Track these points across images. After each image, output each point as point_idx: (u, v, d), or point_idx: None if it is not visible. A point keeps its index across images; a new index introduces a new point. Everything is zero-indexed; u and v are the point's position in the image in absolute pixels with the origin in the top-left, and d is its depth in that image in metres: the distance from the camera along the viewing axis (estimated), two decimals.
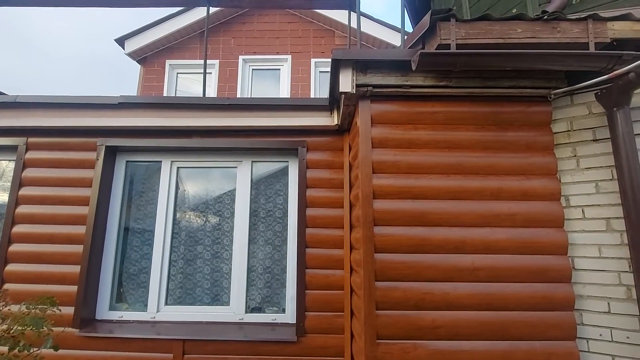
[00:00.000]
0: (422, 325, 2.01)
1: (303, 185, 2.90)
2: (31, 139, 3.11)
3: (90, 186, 3.02)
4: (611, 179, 2.06)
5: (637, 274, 1.87)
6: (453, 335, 2.00)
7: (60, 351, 2.71)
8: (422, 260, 2.09)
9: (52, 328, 1.87)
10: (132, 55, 6.31)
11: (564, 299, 2.04)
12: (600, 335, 2.01)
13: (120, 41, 6.24)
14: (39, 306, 1.87)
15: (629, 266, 1.96)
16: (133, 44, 6.23)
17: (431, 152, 2.21)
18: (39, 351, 1.77)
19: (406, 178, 2.18)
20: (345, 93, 2.19)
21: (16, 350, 1.77)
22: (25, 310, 1.82)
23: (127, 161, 3.21)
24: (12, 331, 1.76)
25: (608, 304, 2.01)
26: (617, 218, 2.03)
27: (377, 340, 2.01)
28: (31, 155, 3.10)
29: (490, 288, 2.05)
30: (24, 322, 1.77)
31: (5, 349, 1.80)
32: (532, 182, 2.16)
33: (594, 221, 2.09)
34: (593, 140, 2.15)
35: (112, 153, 3.15)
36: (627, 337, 1.94)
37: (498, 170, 2.17)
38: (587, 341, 2.04)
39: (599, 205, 2.09)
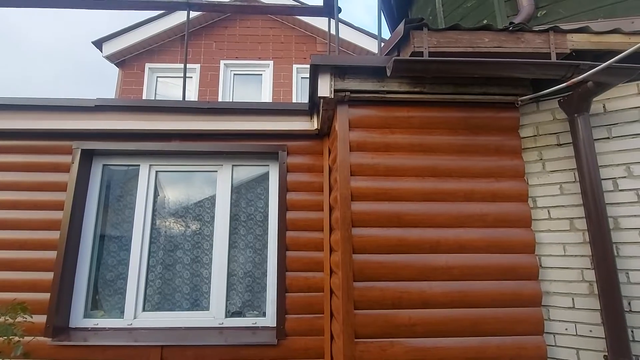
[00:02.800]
0: (399, 324, 2.07)
1: (283, 188, 2.93)
2: (2, 142, 3.02)
3: (65, 190, 2.95)
4: (574, 181, 2.19)
5: (598, 270, 1.98)
6: (428, 332, 2.07)
7: None
8: (398, 260, 2.15)
9: (24, 337, 1.82)
10: (110, 58, 6.20)
11: (532, 296, 2.14)
12: (566, 329, 2.12)
13: (98, 44, 6.12)
14: (9, 314, 1.81)
15: (591, 263, 2.07)
16: (111, 47, 6.12)
17: (407, 155, 2.28)
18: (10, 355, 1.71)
19: (383, 180, 2.24)
20: (324, 98, 2.25)
21: None
22: None
23: (103, 165, 3.15)
24: None
25: (572, 299, 2.12)
26: (579, 218, 2.15)
27: (356, 340, 2.05)
28: (3, 158, 3.00)
29: (464, 286, 2.13)
30: None
31: None
32: (501, 184, 2.27)
33: (559, 221, 2.21)
34: (557, 144, 2.28)
35: (88, 157, 3.09)
36: (590, 331, 2.05)
37: (470, 173, 2.27)
38: (554, 336, 2.14)
39: (563, 206, 2.21)
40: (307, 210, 2.91)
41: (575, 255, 2.14)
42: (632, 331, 1.94)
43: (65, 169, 2.99)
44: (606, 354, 1.96)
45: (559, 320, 2.14)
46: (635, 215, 2.03)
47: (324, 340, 2.69)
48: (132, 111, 2.94)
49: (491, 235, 2.19)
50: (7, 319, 1.77)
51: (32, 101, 2.95)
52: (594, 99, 2.11)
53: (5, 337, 1.73)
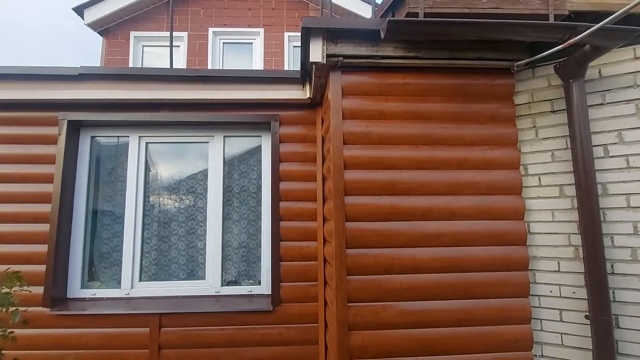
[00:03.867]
0: (391, 288, 2.13)
1: (276, 159, 2.90)
2: None
3: (54, 163, 2.89)
4: (565, 148, 2.20)
5: (584, 235, 2.04)
6: (419, 296, 2.13)
7: (33, 331, 2.70)
8: (391, 228, 2.18)
9: (22, 307, 1.83)
10: (93, 26, 5.91)
11: (519, 260, 2.20)
12: (551, 291, 2.20)
13: (79, 10, 5.81)
14: (5, 283, 1.82)
15: (578, 228, 2.13)
16: (93, 14, 5.82)
17: (401, 123, 2.26)
18: (11, 333, 1.73)
19: (377, 149, 2.23)
20: (316, 63, 2.18)
21: None
22: None
23: (92, 137, 3.08)
24: None
25: (558, 263, 2.19)
26: (569, 185, 2.18)
27: (349, 304, 2.11)
28: None
29: (454, 252, 2.18)
30: None
31: None
32: (494, 152, 2.27)
33: (549, 188, 2.24)
34: (551, 111, 2.27)
35: (75, 128, 3.01)
36: (574, 292, 2.13)
37: (464, 141, 2.26)
38: (539, 298, 2.23)
39: (553, 173, 2.23)
40: (300, 180, 2.90)
41: (563, 221, 2.19)
42: (613, 292, 2.02)
43: (53, 141, 2.92)
44: (587, 313, 2.05)
45: (544, 283, 2.22)
46: (623, 181, 2.06)
47: (318, 306, 2.77)
48: (117, 80, 2.83)
49: (482, 203, 2.22)
50: (3, 288, 1.78)
51: (13, 70, 2.82)
52: (590, 64, 2.08)
53: (2, 306, 1.74)
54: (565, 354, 2.12)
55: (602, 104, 2.15)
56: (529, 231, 2.25)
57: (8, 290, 1.79)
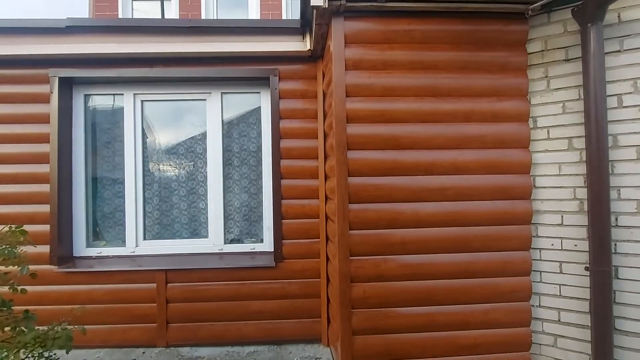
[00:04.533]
0: (392, 242, 2.14)
1: (276, 116, 2.82)
2: None
3: (49, 122, 2.82)
4: (577, 99, 2.11)
5: (591, 188, 2.01)
6: (420, 249, 2.15)
7: (42, 287, 2.78)
8: (394, 183, 2.15)
9: (29, 266, 1.84)
10: None
11: (522, 214, 2.19)
12: (552, 244, 2.21)
13: None
14: (9, 238, 1.82)
15: (584, 181, 2.09)
16: None
17: (406, 73, 2.15)
18: (23, 291, 1.76)
19: (380, 102, 2.14)
20: (317, 8, 2.04)
21: None
22: None
23: (85, 95, 2.98)
24: None
25: (561, 216, 2.18)
26: (578, 137, 2.11)
27: (351, 257, 2.14)
28: None
29: (457, 206, 2.16)
30: None
31: None
32: (503, 103, 2.18)
33: (557, 141, 2.18)
34: (565, 60, 2.15)
35: (67, 85, 2.90)
36: (575, 245, 2.14)
37: (471, 92, 2.17)
38: (540, 251, 2.24)
39: (563, 125, 2.16)
40: (301, 138, 2.84)
41: (570, 175, 2.15)
42: (615, 244, 2.02)
43: (46, 99, 2.83)
44: (587, 265, 2.07)
45: (546, 237, 2.22)
46: (635, 133, 1.99)
47: (320, 262, 2.81)
48: (106, 32, 2.68)
49: (488, 157, 2.16)
50: (7, 245, 1.78)
51: None
52: (609, 8, 1.94)
53: (9, 258, 1.75)
54: (563, 304, 2.17)
55: (619, 51, 2.03)
56: (533, 185, 2.22)
57: (14, 243, 1.79)
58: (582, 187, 2.11)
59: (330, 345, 2.77)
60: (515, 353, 2.19)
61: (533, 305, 2.22)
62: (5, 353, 1.61)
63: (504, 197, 2.17)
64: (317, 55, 2.73)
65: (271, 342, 2.84)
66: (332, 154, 2.31)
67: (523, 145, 2.19)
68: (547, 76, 2.19)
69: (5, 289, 1.78)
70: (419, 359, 2.15)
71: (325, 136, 2.75)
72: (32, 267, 1.89)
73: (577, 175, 2.13)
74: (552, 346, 2.21)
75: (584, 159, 2.08)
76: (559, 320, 2.18)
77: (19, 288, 1.83)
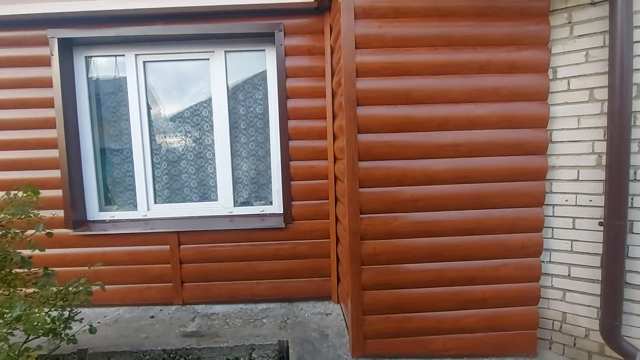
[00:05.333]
0: (403, 200, 2.11)
1: (282, 75, 2.72)
2: None
3: (52, 87, 2.78)
4: (602, 46, 1.98)
5: (611, 141, 1.93)
6: (431, 206, 2.12)
7: (59, 250, 2.86)
8: (405, 139, 2.09)
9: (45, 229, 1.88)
10: None
11: (537, 170, 2.13)
12: (566, 200, 2.16)
13: None
14: (21, 193, 1.84)
15: (604, 135, 2.01)
16: None
17: (419, 22, 2.03)
18: (33, 234, 1.79)
19: (391, 53, 2.04)
20: None
21: (9, 237, 1.80)
22: (7, 197, 1.80)
23: (86, 57, 2.91)
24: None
25: (578, 172, 2.12)
26: (600, 87, 2.00)
27: (361, 215, 2.13)
28: None
29: (469, 162, 2.11)
30: (9, 211, 1.76)
31: None
32: (521, 53, 2.06)
33: (578, 92, 2.07)
34: (590, 3, 2.00)
35: (67, 47, 2.83)
36: (590, 200, 2.09)
37: (488, 41, 2.05)
38: (553, 207, 2.20)
39: (585, 75, 2.04)
40: (308, 97, 2.76)
41: (589, 128, 2.06)
42: (632, 198, 1.97)
43: (47, 62, 2.78)
44: (602, 220, 2.04)
45: (560, 193, 2.17)
46: None
47: (329, 222, 2.83)
48: None
49: (504, 110, 2.08)
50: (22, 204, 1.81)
51: None
52: None
53: (24, 216, 1.79)
54: (574, 259, 2.16)
55: None
56: (550, 140, 2.14)
57: (27, 202, 1.81)
58: (601, 140, 2.03)
59: (340, 302, 2.85)
60: (524, 307, 2.22)
61: (543, 261, 2.22)
62: (28, 306, 1.67)
63: (519, 152, 2.11)
64: (324, 6, 2.59)
65: (282, 300, 2.93)
66: (341, 113, 2.24)
67: (541, 98, 2.09)
68: (570, 22, 2.05)
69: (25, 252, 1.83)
70: (427, 312, 2.20)
71: (334, 95, 2.67)
72: (45, 217, 1.93)
73: (596, 128, 2.04)
74: (561, 300, 2.23)
75: (605, 110, 1.99)
76: (569, 275, 2.19)
77: (35, 244, 1.88)
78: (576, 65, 2.05)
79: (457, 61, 2.05)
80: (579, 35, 2.03)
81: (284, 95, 2.74)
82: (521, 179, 2.13)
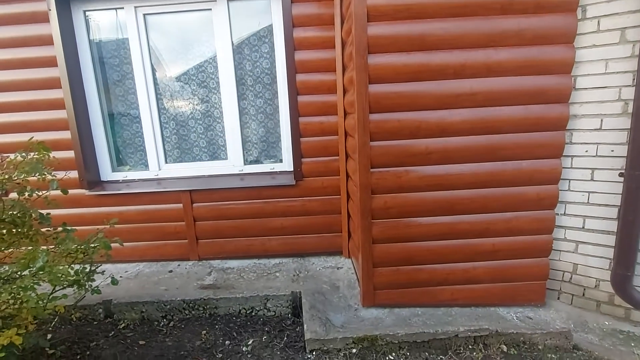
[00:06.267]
0: (415, 153, 2.06)
1: (289, 24, 2.58)
2: None
3: (52, 44, 2.70)
4: None
5: (639, 87, 1.81)
6: (444, 159, 2.07)
7: (77, 210, 2.94)
8: (418, 89, 2.00)
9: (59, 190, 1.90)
10: None
11: (558, 120, 2.03)
12: (586, 151, 2.09)
13: None
14: (33, 154, 1.85)
15: (633, 79, 1.88)
16: None
17: None
18: (48, 191, 1.83)
19: None
20: None
21: (26, 195, 1.84)
22: (20, 157, 1.82)
23: (84, 11, 2.79)
24: (14, 178, 1.78)
25: (601, 120, 2.02)
26: (633, 27, 1.85)
27: (371, 169, 2.10)
28: None
29: (486, 113, 2.02)
30: (24, 169, 1.78)
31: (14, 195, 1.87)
32: None
33: (608, 33, 1.92)
34: None
35: (64, 1, 2.71)
36: (612, 150, 2.01)
37: None
38: (572, 158, 2.13)
39: (617, 13, 1.88)
40: (317, 49, 2.64)
41: (617, 72, 1.93)
42: None
43: (45, 18, 2.68)
44: (622, 171, 1.97)
45: (581, 143, 2.09)
46: None
47: (339, 179, 2.81)
48: None
49: (525, 55, 1.94)
50: (34, 157, 1.82)
51: None
52: None
53: (40, 175, 1.81)
54: (589, 211, 2.13)
55: None
56: (574, 87, 2.02)
57: (40, 161, 1.83)
58: (629, 86, 1.91)
59: (351, 256, 2.91)
60: (534, 259, 2.22)
61: (557, 214, 2.19)
62: (52, 258, 1.74)
63: (540, 101, 2.00)
64: None
65: (294, 255, 3.01)
66: (351, 63, 2.14)
67: (567, 41, 1.94)
68: None
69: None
70: (437, 264, 2.23)
71: (343, 45, 2.53)
72: (59, 177, 1.95)
73: (625, 72, 1.91)
74: (573, 252, 2.22)
75: (636, 53, 1.85)
76: (583, 227, 2.16)
77: (51, 199, 1.91)
78: (607, 2, 1.88)
79: (477, 1, 1.89)
80: None
81: (292, 46, 2.61)
82: (540, 129, 2.04)
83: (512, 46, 1.94)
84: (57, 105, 2.81)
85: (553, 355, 1.88)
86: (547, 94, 1.99)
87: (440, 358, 1.90)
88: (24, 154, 1.84)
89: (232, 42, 2.80)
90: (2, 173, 1.80)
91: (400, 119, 2.03)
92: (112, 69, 2.95)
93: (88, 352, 2.03)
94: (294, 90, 2.68)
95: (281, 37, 2.69)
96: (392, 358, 1.91)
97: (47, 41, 2.71)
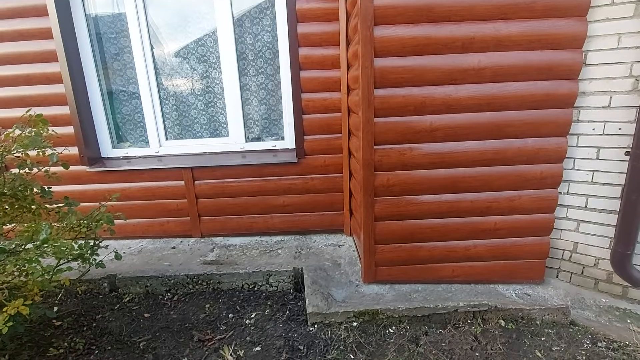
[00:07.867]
0: (420, 129, 2.03)
1: None
2: None
3: (47, 15, 2.62)
4: None
5: None
6: (449, 136, 2.05)
7: (78, 187, 2.93)
8: (425, 64, 1.94)
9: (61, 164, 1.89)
10: None
11: (566, 96, 1.99)
12: (593, 129, 2.06)
13: None
14: (31, 129, 1.82)
15: None
16: None
17: None
18: (49, 165, 1.82)
19: None
20: None
21: (27, 169, 1.83)
22: (19, 132, 1.79)
23: None
24: (13, 151, 1.76)
25: (610, 98, 1.98)
26: None
27: (375, 147, 2.07)
28: None
29: (493, 88, 1.97)
30: (22, 143, 1.76)
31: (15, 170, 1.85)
32: None
33: (622, 6, 1.85)
34: None
35: None
36: (619, 129, 1.98)
37: None
38: (578, 136, 2.10)
39: None
40: (320, 21, 2.55)
41: (629, 47, 1.87)
42: None
43: None
44: (628, 150, 1.94)
45: (588, 121, 2.06)
46: None
47: (342, 157, 2.79)
48: None
49: (536, 29, 1.88)
50: (32, 132, 1.80)
51: None
52: None
53: (39, 149, 1.79)
54: (593, 190, 2.12)
55: None
56: (584, 63, 1.97)
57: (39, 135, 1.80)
58: None
59: (352, 234, 2.93)
60: (535, 237, 2.23)
61: (560, 193, 2.18)
62: (55, 231, 1.75)
63: (548, 77, 1.95)
64: None
65: (296, 233, 3.02)
66: (356, 36, 2.07)
67: (580, 13, 1.88)
68: None
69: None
70: (438, 242, 2.24)
71: (348, 17, 2.45)
72: (61, 152, 1.94)
73: (637, 48, 1.86)
74: (574, 231, 2.23)
75: None
76: (585, 207, 2.16)
77: (53, 174, 1.90)
78: None
79: None
80: None
81: (294, 18, 2.53)
82: (547, 107, 2.00)
83: (522, 19, 1.88)
84: (55, 79, 2.76)
85: (550, 330, 1.92)
86: (557, 69, 1.94)
87: (440, 332, 1.94)
88: (22, 127, 1.81)
89: (232, 14, 2.72)
90: (1, 146, 1.78)
91: (405, 95, 1.99)
92: (109, 42, 2.87)
93: (94, 324, 2.07)
94: (297, 65, 2.62)
95: (283, 8, 2.60)
96: (392, 331, 1.95)
97: (43, 12, 2.62)
